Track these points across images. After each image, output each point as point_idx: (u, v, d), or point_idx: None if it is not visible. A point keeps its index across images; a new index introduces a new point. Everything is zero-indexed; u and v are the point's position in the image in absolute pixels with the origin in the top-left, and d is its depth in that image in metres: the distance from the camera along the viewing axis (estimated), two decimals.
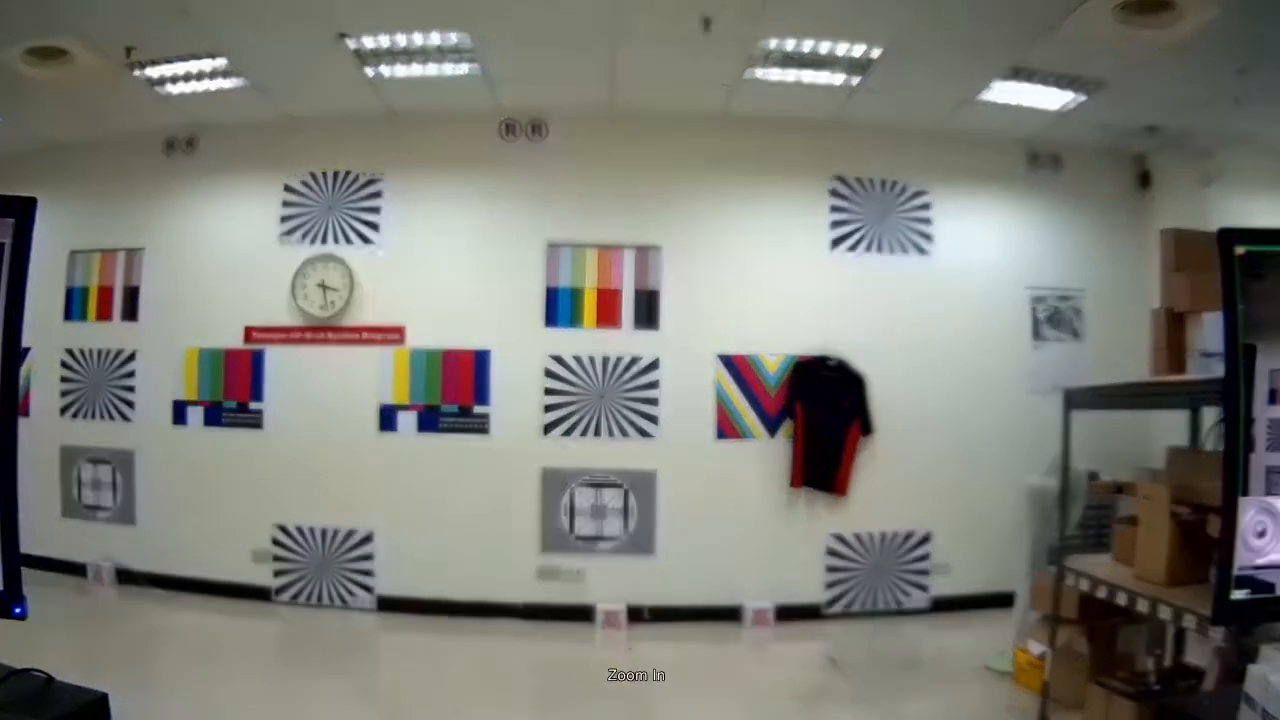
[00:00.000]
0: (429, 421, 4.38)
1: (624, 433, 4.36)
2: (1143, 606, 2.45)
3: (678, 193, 4.49)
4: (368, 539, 4.37)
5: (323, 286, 4.43)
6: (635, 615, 4.21)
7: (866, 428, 4.40)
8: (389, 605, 4.33)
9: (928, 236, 4.59)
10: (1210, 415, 3.07)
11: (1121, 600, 2.55)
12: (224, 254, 4.57)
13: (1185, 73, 3.66)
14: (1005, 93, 4.14)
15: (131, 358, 4.61)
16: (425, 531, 4.32)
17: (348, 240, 4.49)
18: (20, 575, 1.58)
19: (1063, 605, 3.02)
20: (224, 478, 4.45)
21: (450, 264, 4.47)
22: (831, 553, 4.41)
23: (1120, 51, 3.56)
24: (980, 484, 4.41)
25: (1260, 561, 1.76)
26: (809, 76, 4.04)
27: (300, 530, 4.41)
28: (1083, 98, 4.11)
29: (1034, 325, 4.61)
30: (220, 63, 3.95)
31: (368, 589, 4.36)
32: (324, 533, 4.39)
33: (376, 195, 4.50)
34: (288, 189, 4.54)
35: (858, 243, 4.55)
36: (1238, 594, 1.75)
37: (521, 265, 4.42)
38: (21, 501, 1.60)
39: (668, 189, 4.48)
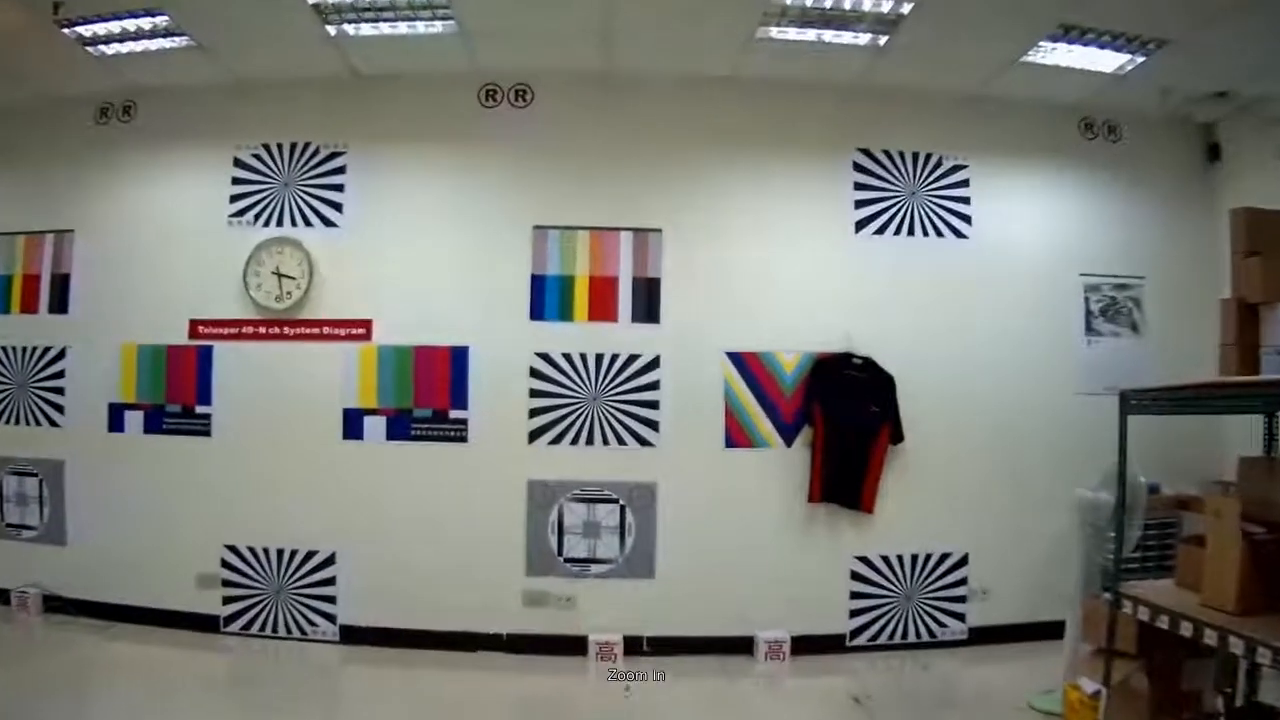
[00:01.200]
0: (399, 428, 4.37)
1: (620, 440, 4.35)
2: (1210, 638, 2.43)
3: (681, 168, 4.48)
4: (330, 561, 4.37)
5: (278, 274, 4.42)
6: (633, 647, 4.21)
7: (896, 435, 4.39)
8: (354, 636, 4.33)
9: (966, 217, 4.58)
10: None
11: (1186, 631, 2.53)
12: (166, 237, 4.55)
13: (1261, 29, 3.64)
14: (1054, 53, 4.13)
15: (61, 355, 4.59)
16: (395, 552, 4.32)
17: (307, 222, 4.48)
18: None
19: (1119, 636, 3.01)
20: (166, 492, 4.44)
21: (423, 249, 4.46)
22: (856, 576, 4.40)
23: (1186, 5, 3.54)
24: (1025, 498, 4.41)
25: None
26: (830, 35, 4.03)
27: (253, 551, 4.40)
28: (1142, 59, 4.09)
29: (1087, 318, 4.60)
30: (161, 19, 3.94)
31: (330, 618, 4.36)
32: (280, 554, 4.39)
33: (339, 170, 4.49)
34: (238, 163, 4.52)
35: (886, 224, 4.53)
36: None
37: (504, 250, 4.41)
38: None
39: (670, 164, 4.47)
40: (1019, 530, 4.40)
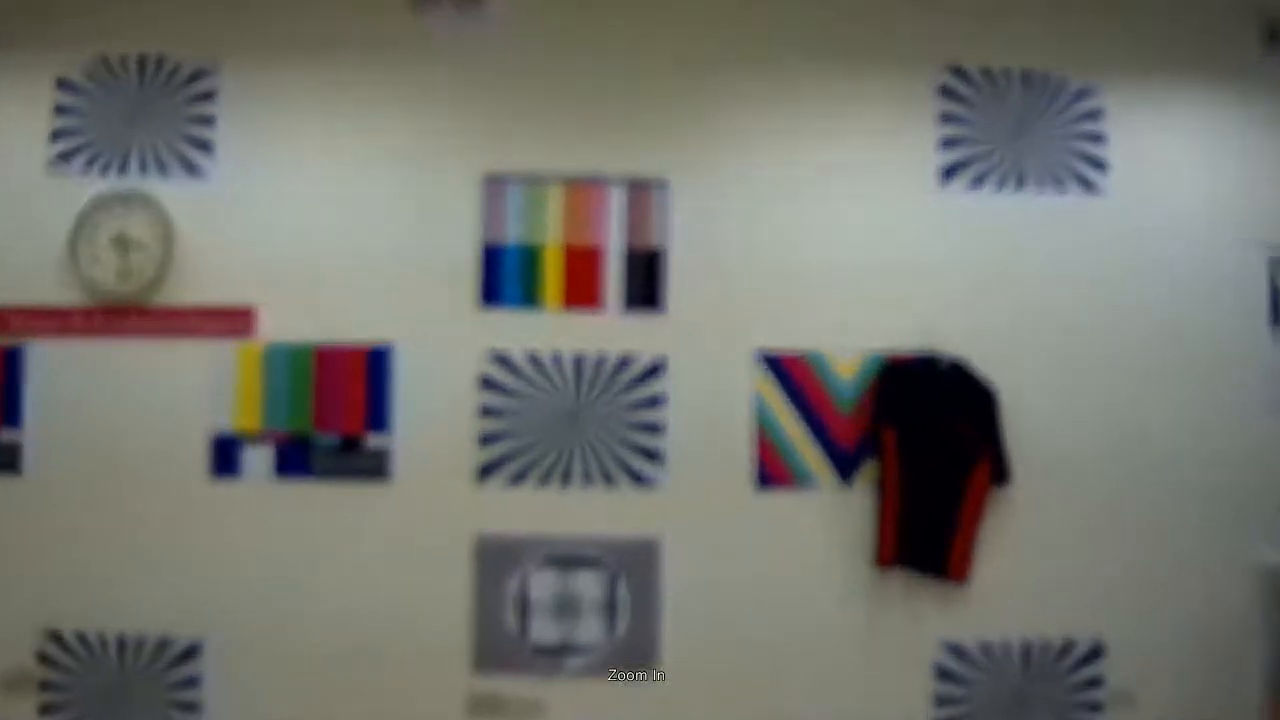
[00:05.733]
0: (294, 460, 4.37)
1: (608, 478, 4.36)
2: None
3: (697, 95, 4.51)
4: (193, 653, 4.34)
5: (122, 243, 4.41)
6: None
7: (998, 471, 4.38)
8: None
9: (1100, 163, 4.59)
10: None
11: None
12: None
13: None
14: None
15: None
16: (286, 640, 4.30)
17: (162, 169, 4.48)
18: None
19: None
20: None
21: (328, 208, 4.46)
22: (943, 674, 4.39)
23: None
24: (1185, 563, 4.40)
25: None
26: None
27: (84, 639, 4.36)
28: None
29: (1273, 305, 4.60)
30: None
31: None
32: (123, 643, 4.35)
33: (208, 96, 4.50)
34: (63, 85, 4.51)
35: (984, 173, 4.56)
36: None
37: (444, 209, 4.43)
38: None
39: (681, 88, 4.50)
40: (1176, 609, 4.38)
